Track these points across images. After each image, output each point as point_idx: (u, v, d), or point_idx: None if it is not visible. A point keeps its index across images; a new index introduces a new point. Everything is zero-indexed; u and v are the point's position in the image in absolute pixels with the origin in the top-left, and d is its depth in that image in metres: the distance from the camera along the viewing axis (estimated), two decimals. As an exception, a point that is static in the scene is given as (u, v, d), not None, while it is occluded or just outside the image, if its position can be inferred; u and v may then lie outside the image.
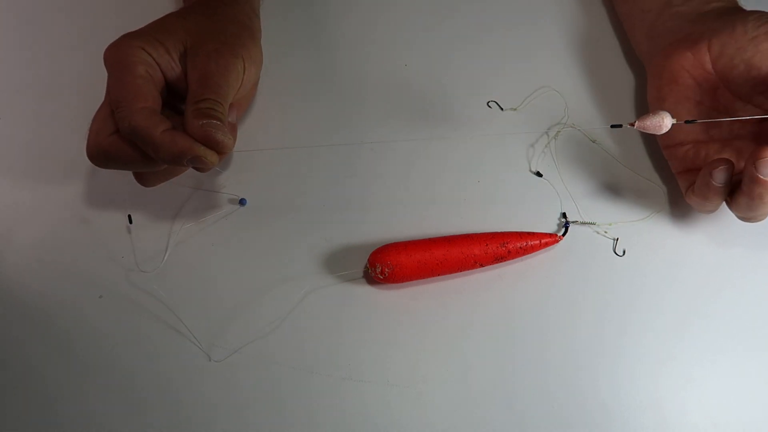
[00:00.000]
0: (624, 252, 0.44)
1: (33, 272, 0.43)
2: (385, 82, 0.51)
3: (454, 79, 0.51)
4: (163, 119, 0.36)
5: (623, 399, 0.39)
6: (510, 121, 0.49)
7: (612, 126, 0.41)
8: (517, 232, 0.43)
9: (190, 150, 0.35)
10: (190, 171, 0.46)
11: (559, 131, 0.48)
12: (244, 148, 0.47)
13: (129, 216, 0.44)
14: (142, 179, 0.40)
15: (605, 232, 0.44)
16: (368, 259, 0.41)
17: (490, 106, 0.50)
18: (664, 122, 0.38)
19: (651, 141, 0.47)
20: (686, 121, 0.40)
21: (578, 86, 0.50)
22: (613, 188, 0.46)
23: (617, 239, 0.44)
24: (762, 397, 0.40)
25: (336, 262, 0.43)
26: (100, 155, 0.37)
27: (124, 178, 0.46)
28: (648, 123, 0.38)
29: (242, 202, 0.45)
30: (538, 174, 0.47)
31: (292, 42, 0.53)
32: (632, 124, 0.39)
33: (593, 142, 0.48)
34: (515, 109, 0.49)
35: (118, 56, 0.37)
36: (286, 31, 0.53)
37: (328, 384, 0.40)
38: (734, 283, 0.43)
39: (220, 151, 0.36)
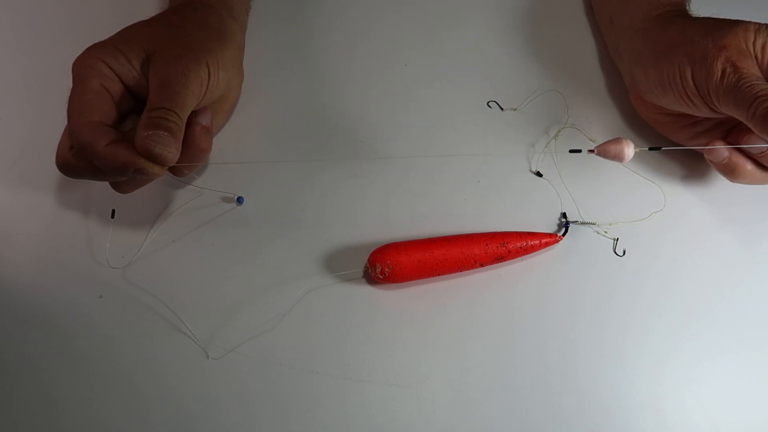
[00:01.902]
0: (624, 252, 0.44)
1: (32, 272, 0.43)
2: (385, 82, 0.51)
3: (455, 79, 0.51)
4: (109, 132, 0.36)
5: (623, 399, 0.39)
6: (510, 121, 0.49)
7: (570, 151, 0.41)
8: (517, 232, 0.43)
9: (131, 163, 0.35)
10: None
11: (559, 131, 0.48)
12: (241, 149, 0.47)
13: (113, 210, 0.44)
14: (115, 187, 0.40)
15: (605, 232, 0.44)
16: (368, 259, 0.41)
17: (490, 106, 0.50)
18: (625, 152, 0.37)
19: (650, 142, 0.47)
20: (650, 148, 0.40)
21: (578, 86, 0.50)
22: (613, 188, 0.46)
23: (617, 239, 0.44)
24: (762, 397, 0.40)
25: (336, 262, 0.43)
26: (65, 167, 0.38)
27: (124, 177, 0.46)
28: (610, 150, 0.37)
29: (239, 200, 0.45)
30: (538, 174, 0.47)
31: (293, 43, 0.53)
32: (592, 151, 0.38)
33: (593, 141, 0.48)
34: (515, 109, 0.49)
35: (77, 70, 0.38)
36: (287, 34, 0.53)
37: (328, 384, 0.40)
38: (734, 283, 0.43)
39: (161, 163, 0.36)
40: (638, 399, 0.39)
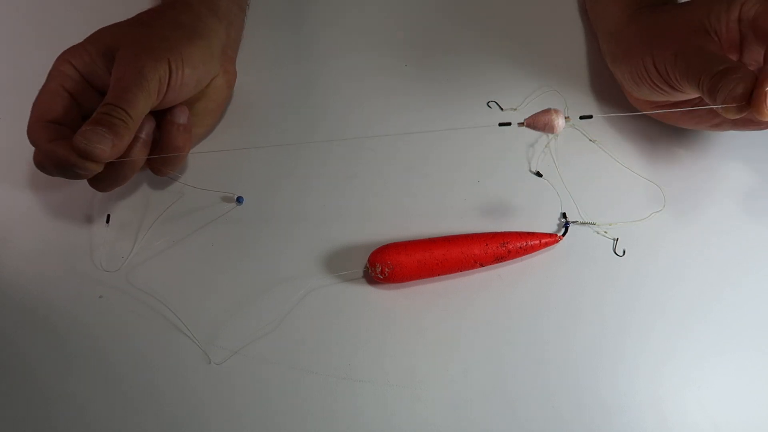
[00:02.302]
0: (624, 252, 0.44)
1: (32, 274, 0.43)
2: (386, 82, 0.51)
3: (455, 79, 0.51)
4: (54, 130, 0.37)
5: (623, 399, 0.39)
6: (510, 120, 0.49)
7: (500, 124, 0.39)
8: (517, 232, 0.43)
9: (65, 159, 0.36)
10: (184, 169, 0.46)
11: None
12: (240, 149, 0.47)
13: (108, 216, 0.44)
14: (92, 184, 0.41)
15: (605, 232, 0.44)
16: (368, 259, 0.41)
17: (490, 106, 0.50)
18: (555, 121, 0.36)
19: (651, 140, 0.47)
20: (581, 117, 0.39)
21: (578, 86, 0.50)
22: (613, 188, 0.46)
23: (617, 239, 0.44)
24: (762, 397, 0.40)
25: (336, 262, 0.43)
26: (37, 165, 0.38)
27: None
28: (539, 121, 0.36)
29: (239, 200, 0.45)
30: (538, 174, 0.47)
31: (292, 43, 0.53)
32: (522, 124, 0.37)
33: (593, 141, 0.48)
34: (515, 109, 0.49)
35: (49, 72, 0.40)
36: (286, 33, 0.53)
37: (328, 384, 0.40)
38: (734, 283, 0.43)
39: (91, 159, 0.36)
40: (638, 399, 0.39)
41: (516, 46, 0.52)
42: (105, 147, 0.36)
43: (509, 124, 0.38)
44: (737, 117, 0.35)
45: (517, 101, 0.49)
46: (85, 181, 0.46)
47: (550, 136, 0.46)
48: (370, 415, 0.39)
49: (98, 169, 0.37)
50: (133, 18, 0.42)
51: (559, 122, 0.36)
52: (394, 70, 0.51)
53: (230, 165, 0.47)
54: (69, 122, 0.39)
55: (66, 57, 0.39)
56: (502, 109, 0.49)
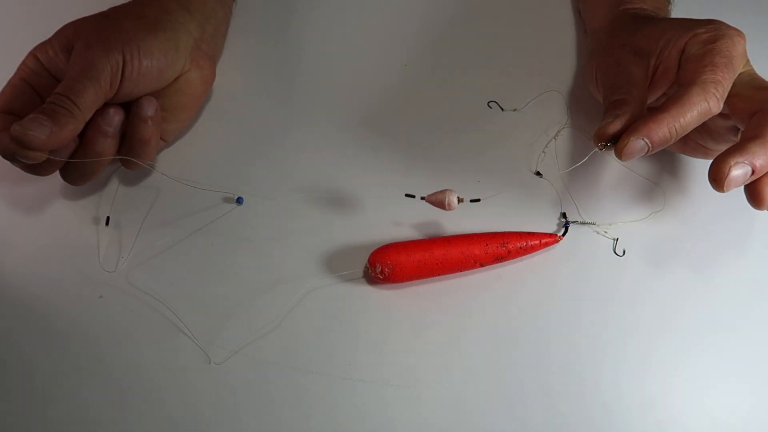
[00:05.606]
0: (624, 252, 0.44)
1: (33, 273, 0.43)
2: (386, 82, 0.51)
3: (455, 80, 0.51)
4: (9, 120, 0.38)
5: (623, 399, 0.39)
6: (511, 121, 0.49)
7: (406, 195, 0.42)
8: (517, 232, 0.43)
9: (7, 147, 0.37)
10: (183, 169, 0.46)
11: (559, 131, 0.48)
12: (239, 149, 0.47)
13: (107, 218, 0.44)
14: (63, 177, 0.41)
15: (605, 232, 0.44)
16: (368, 259, 0.41)
17: (490, 107, 0.50)
18: (450, 200, 0.40)
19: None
20: (471, 200, 0.42)
21: (578, 86, 0.50)
22: (613, 188, 0.46)
23: (617, 239, 0.44)
24: (762, 397, 0.40)
25: (336, 262, 0.43)
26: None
27: (123, 179, 0.46)
28: (435, 199, 0.41)
29: (239, 200, 0.45)
30: (538, 174, 0.47)
31: (295, 40, 0.53)
32: (423, 198, 0.41)
33: (592, 141, 0.47)
34: (516, 110, 0.49)
35: None
36: (286, 32, 0.53)
37: (327, 384, 0.40)
38: (734, 283, 0.43)
39: (28, 147, 0.36)
40: (638, 399, 0.39)
41: (517, 46, 0.52)
42: (40, 134, 0.36)
43: (414, 196, 0.42)
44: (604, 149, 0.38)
45: (518, 101, 0.49)
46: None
47: (549, 140, 0.47)
48: (370, 415, 0.39)
49: (39, 157, 0.37)
50: (99, 12, 0.42)
51: (452, 200, 0.40)
52: (393, 69, 0.51)
53: (231, 165, 0.47)
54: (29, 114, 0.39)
55: (33, 52, 0.40)
56: (502, 109, 0.49)
